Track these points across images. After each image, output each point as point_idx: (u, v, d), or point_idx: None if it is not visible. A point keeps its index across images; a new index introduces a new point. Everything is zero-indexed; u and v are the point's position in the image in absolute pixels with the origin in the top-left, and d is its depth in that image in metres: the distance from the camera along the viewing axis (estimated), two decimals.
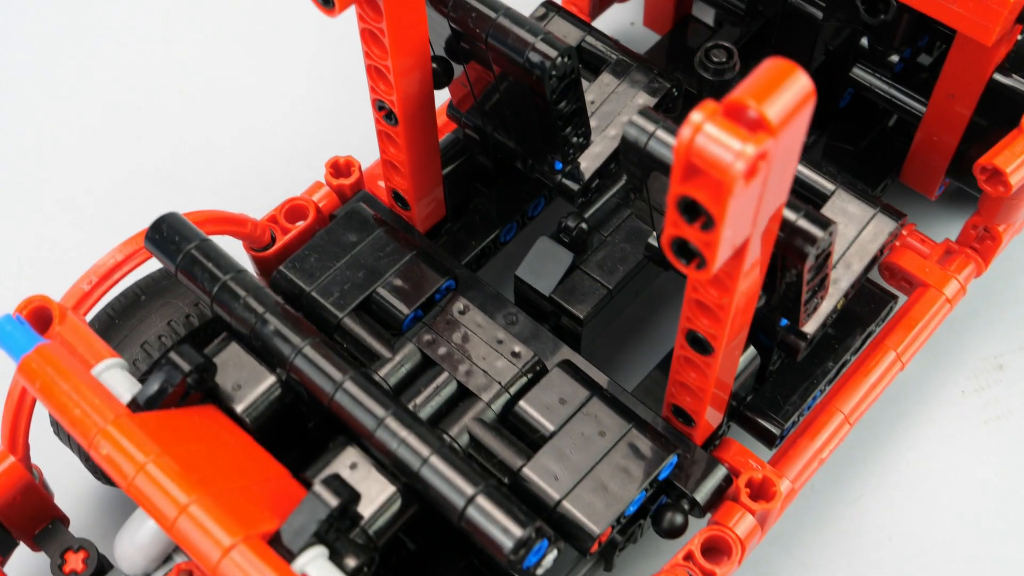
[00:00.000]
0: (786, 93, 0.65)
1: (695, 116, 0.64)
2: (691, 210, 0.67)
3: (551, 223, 1.24)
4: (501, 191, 1.16)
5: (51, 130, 1.39)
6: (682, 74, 1.26)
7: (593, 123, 1.09)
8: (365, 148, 1.27)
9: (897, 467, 1.14)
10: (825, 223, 0.83)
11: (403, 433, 0.79)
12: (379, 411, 0.80)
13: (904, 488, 1.13)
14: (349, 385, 0.81)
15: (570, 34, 1.14)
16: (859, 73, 1.14)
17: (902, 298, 1.15)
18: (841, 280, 0.99)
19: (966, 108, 1.07)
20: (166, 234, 0.87)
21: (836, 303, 0.99)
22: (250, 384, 0.85)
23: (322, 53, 1.44)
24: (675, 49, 1.28)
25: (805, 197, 1.05)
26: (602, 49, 1.13)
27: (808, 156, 1.17)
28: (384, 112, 0.99)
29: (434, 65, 1.00)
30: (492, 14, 0.94)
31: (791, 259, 0.85)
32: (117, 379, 0.79)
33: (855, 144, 1.20)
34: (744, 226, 0.70)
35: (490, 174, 1.16)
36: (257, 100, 1.41)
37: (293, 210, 1.11)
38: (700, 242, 0.68)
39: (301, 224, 1.11)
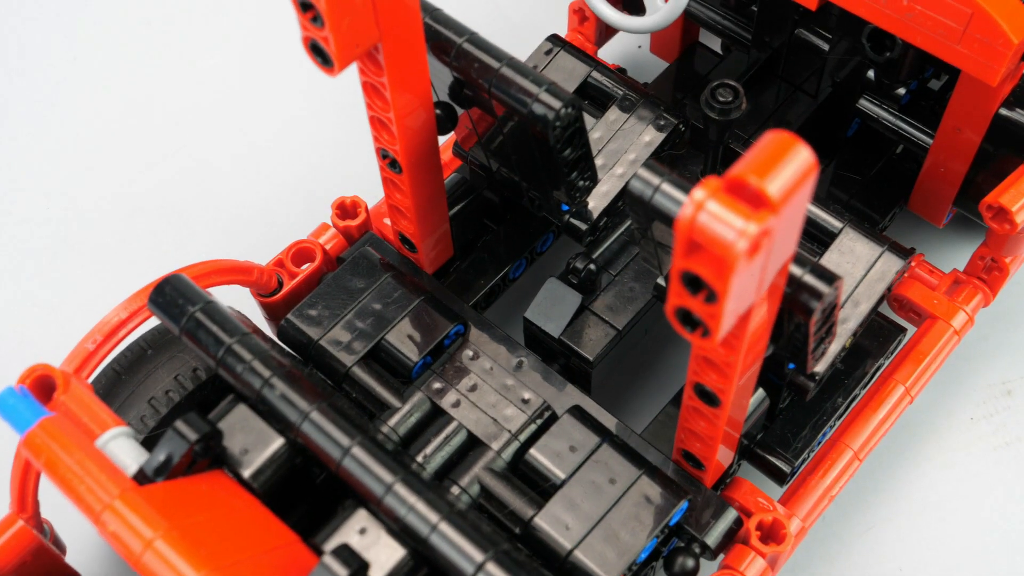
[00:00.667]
0: (787, 168, 0.64)
1: (697, 193, 0.64)
2: (694, 284, 0.67)
3: (561, 258, 1.25)
4: (509, 227, 1.16)
5: (52, 165, 1.39)
6: (690, 102, 1.26)
7: (600, 161, 1.09)
8: (371, 181, 1.28)
9: (907, 496, 1.14)
10: (831, 278, 0.83)
11: (412, 500, 0.80)
12: (387, 477, 0.81)
13: (914, 518, 1.13)
14: (357, 451, 0.82)
15: (576, 69, 1.14)
16: (866, 104, 1.14)
17: (911, 329, 1.15)
18: (849, 320, 0.99)
19: (972, 141, 1.07)
20: (169, 297, 0.88)
21: (845, 342, 0.99)
22: (257, 448, 0.85)
23: (325, 87, 1.44)
24: (683, 77, 1.28)
25: (813, 235, 1.04)
26: (608, 84, 1.13)
27: (817, 186, 1.18)
28: (388, 160, 0.99)
29: (437, 111, 1.00)
30: (495, 64, 0.94)
31: (797, 313, 0.85)
32: (123, 449, 0.80)
33: (864, 172, 1.19)
34: (748, 296, 0.70)
35: (498, 210, 1.17)
36: (261, 139, 1.41)
37: (300, 253, 1.12)
38: (704, 313, 0.69)
39: (308, 267, 1.11)
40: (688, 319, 0.70)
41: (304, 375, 0.90)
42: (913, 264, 1.14)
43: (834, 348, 0.99)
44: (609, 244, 1.10)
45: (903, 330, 1.09)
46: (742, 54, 1.23)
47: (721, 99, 1.02)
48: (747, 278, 0.67)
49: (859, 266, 1.01)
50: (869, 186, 1.19)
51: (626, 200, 0.88)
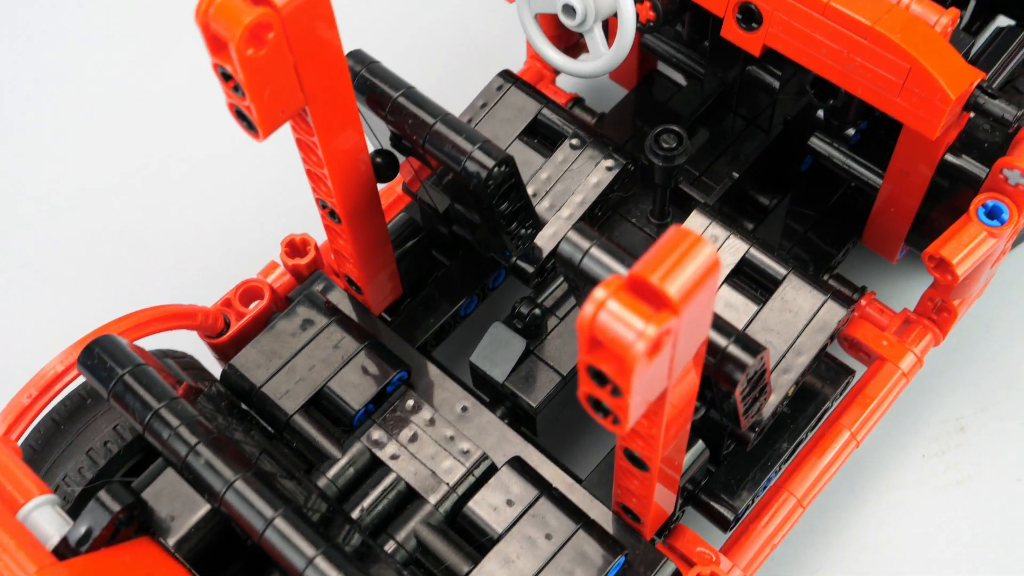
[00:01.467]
0: (690, 267, 0.64)
1: (598, 293, 0.64)
2: (599, 377, 0.67)
3: (516, 294, 1.24)
4: (461, 263, 1.16)
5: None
6: (649, 128, 1.25)
7: (547, 203, 1.08)
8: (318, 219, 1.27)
9: (857, 536, 1.14)
10: (755, 349, 0.83)
11: (333, 574, 0.80)
12: (309, 551, 0.81)
13: (865, 558, 1.14)
14: (280, 523, 0.82)
15: (526, 107, 1.13)
16: (816, 143, 1.13)
17: (861, 369, 1.14)
18: (790, 371, 0.99)
19: (920, 184, 1.06)
20: (98, 358, 0.88)
21: (787, 391, 0.99)
22: (184, 515, 0.86)
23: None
24: (642, 105, 1.27)
25: (758, 282, 1.04)
26: (558, 123, 1.12)
27: (771, 221, 1.17)
28: (327, 210, 0.99)
29: (377, 159, 1.00)
30: (429, 120, 0.93)
31: (721, 382, 0.84)
32: (46, 519, 0.80)
33: (818, 207, 1.18)
34: (657, 386, 0.70)
35: (449, 245, 1.16)
36: (212, 174, 1.41)
37: (248, 292, 1.12)
38: (612, 404, 0.68)
39: (256, 306, 1.11)
40: (599, 406, 0.70)
41: (234, 440, 0.90)
42: (864, 303, 1.14)
43: (774, 399, 0.98)
44: (556, 286, 1.10)
45: (851, 372, 1.09)
46: (699, 87, 1.22)
47: (665, 145, 1.01)
48: (651, 374, 0.67)
49: (801, 316, 1.01)
50: (823, 221, 1.18)
51: (556, 260, 0.88)
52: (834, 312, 1.01)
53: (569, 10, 1.02)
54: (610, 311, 0.64)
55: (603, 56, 1.04)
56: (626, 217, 1.12)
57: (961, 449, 1.17)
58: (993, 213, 0.99)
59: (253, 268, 1.19)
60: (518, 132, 1.12)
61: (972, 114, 0.99)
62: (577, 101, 1.27)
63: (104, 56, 1.50)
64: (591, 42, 1.04)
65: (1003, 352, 1.22)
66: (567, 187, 1.09)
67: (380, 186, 1.06)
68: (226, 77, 0.79)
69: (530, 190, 1.09)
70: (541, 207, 1.08)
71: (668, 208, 1.10)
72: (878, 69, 0.94)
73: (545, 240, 1.07)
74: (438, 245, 1.17)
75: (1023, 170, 0.96)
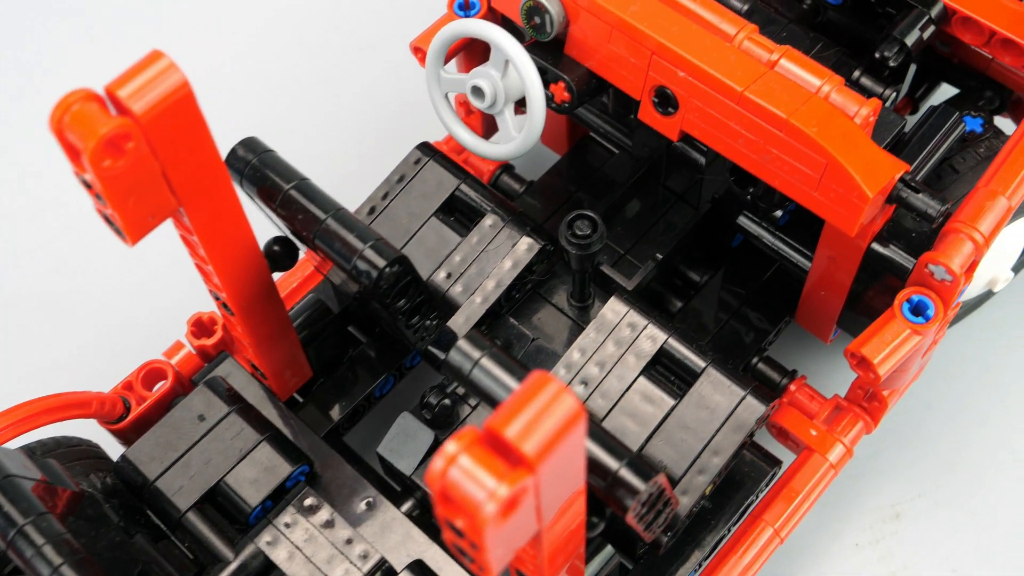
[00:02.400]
0: (549, 420, 0.60)
1: (449, 447, 0.60)
2: (455, 530, 0.63)
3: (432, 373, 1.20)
4: (377, 341, 1.12)
5: None
6: (584, 192, 1.20)
7: (460, 287, 1.04)
8: None
9: None
10: (648, 473, 0.78)
11: None
12: None
13: None
14: None
15: (444, 182, 1.08)
16: (745, 222, 1.08)
17: (789, 456, 1.10)
18: (705, 471, 0.95)
19: (848, 270, 1.01)
20: None
21: (703, 491, 0.95)
22: None
23: None
24: (575, 170, 1.22)
25: (677, 374, 0.99)
26: (476, 200, 1.07)
27: (703, 297, 1.13)
28: (219, 302, 0.94)
29: (275, 247, 0.96)
30: (320, 215, 0.89)
31: (612, 507, 0.80)
32: None
33: (749, 285, 1.14)
34: (521, 536, 0.66)
35: (365, 322, 1.12)
36: (113, 251, 1.35)
37: (151, 374, 1.07)
38: (473, 556, 0.64)
39: (161, 387, 1.07)
40: (464, 553, 0.66)
41: (117, 547, 0.86)
42: (793, 388, 1.09)
43: (687, 501, 0.94)
44: None
45: (777, 463, 1.05)
46: (629, 158, 1.18)
47: (579, 232, 0.97)
48: (510, 529, 0.62)
49: (718, 413, 0.96)
50: (755, 299, 1.14)
51: (444, 368, 0.84)
52: (752, 410, 0.96)
53: (478, 92, 0.98)
54: (461, 467, 0.60)
55: (514, 140, 0.99)
56: (547, 299, 1.08)
57: (896, 538, 1.13)
58: (918, 309, 0.95)
59: (159, 347, 1.14)
60: (434, 209, 1.07)
61: None
62: (506, 168, 1.22)
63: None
64: (502, 125, 1.00)
65: (942, 435, 1.18)
66: (482, 270, 1.04)
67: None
68: (87, 185, 0.75)
69: (443, 273, 1.05)
70: (454, 291, 1.04)
71: (590, 290, 1.05)
72: (795, 162, 0.90)
73: (458, 326, 1.03)
74: (355, 321, 1.12)
75: (948, 267, 0.92)
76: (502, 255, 1.04)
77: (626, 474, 0.78)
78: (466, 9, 1.11)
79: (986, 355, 1.22)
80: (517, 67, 0.94)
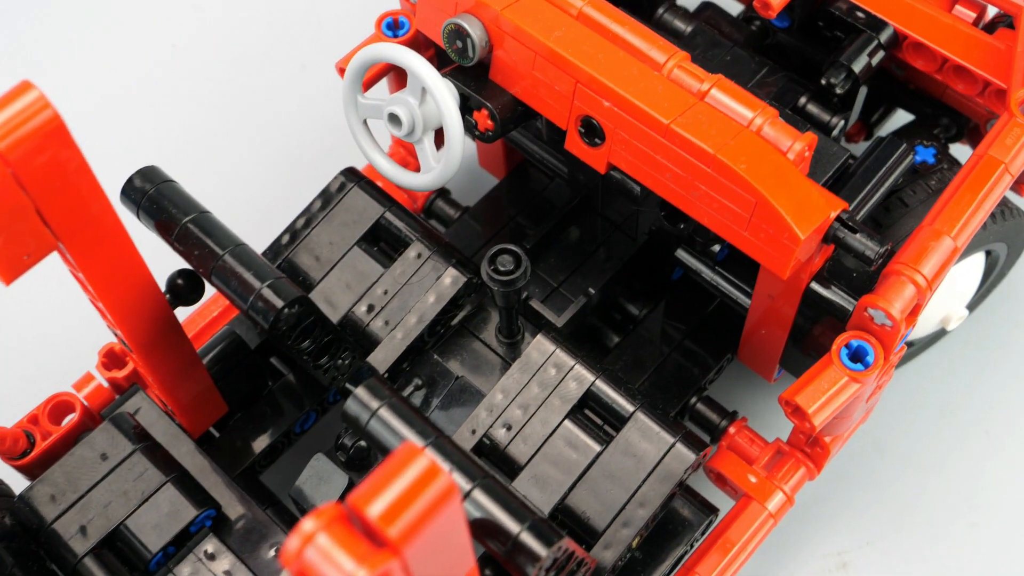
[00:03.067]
0: (418, 501, 0.55)
1: (307, 524, 0.55)
2: None
3: None
4: (300, 374, 1.06)
5: None
6: (523, 218, 1.15)
7: (380, 321, 0.99)
8: None
9: None
10: (550, 538, 0.73)
11: None
12: None
13: None
14: None
15: (367, 210, 1.03)
16: (683, 255, 1.03)
17: (728, 502, 1.05)
18: (632, 524, 0.90)
19: (788, 309, 0.96)
20: None
21: (630, 542, 0.90)
22: None
23: None
24: (514, 194, 1.17)
25: (604, 418, 0.94)
26: (401, 229, 1.02)
27: (640, 332, 1.07)
28: (119, 338, 0.89)
29: (179, 281, 0.91)
30: (218, 251, 0.83)
31: (513, 573, 0.75)
32: None
33: (690, 319, 1.09)
34: None
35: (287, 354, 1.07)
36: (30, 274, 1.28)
37: (58, 407, 1.02)
38: None
39: (69, 421, 1.02)
40: None
41: None
42: (732, 431, 1.04)
43: (611, 555, 0.89)
44: None
45: (714, 511, 0.99)
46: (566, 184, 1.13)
47: (502, 268, 0.91)
48: None
49: (645, 462, 0.91)
50: (696, 334, 1.08)
51: (343, 418, 0.79)
52: (681, 459, 0.91)
53: (395, 119, 0.93)
54: (319, 547, 0.55)
55: (432, 170, 0.94)
56: (475, 334, 1.02)
57: None
58: (857, 355, 0.90)
59: (68, 379, 1.09)
60: (356, 238, 1.02)
61: None
62: (441, 193, 1.17)
63: None
64: (421, 154, 0.94)
65: (893, 479, 1.12)
66: (404, 303, 0.99)
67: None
68: None
69: (364, 306, 0.99)
70: (375, 325, 0.99)
71: (518, 325, 1.00)
72: (724, 200, 0.85)
73: (378, 363, 0.98)
74: (278, 352, 1.07)
75: (887, 311, 0.86)
76: (426, 288, 0.99)
77: (527, 539, 0.73)
78: (395, 29, 1.06)
79: (942, 396, 1.17)
80: (432, 94, 0.89)
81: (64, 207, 0.72)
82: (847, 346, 0.90)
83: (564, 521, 0.91)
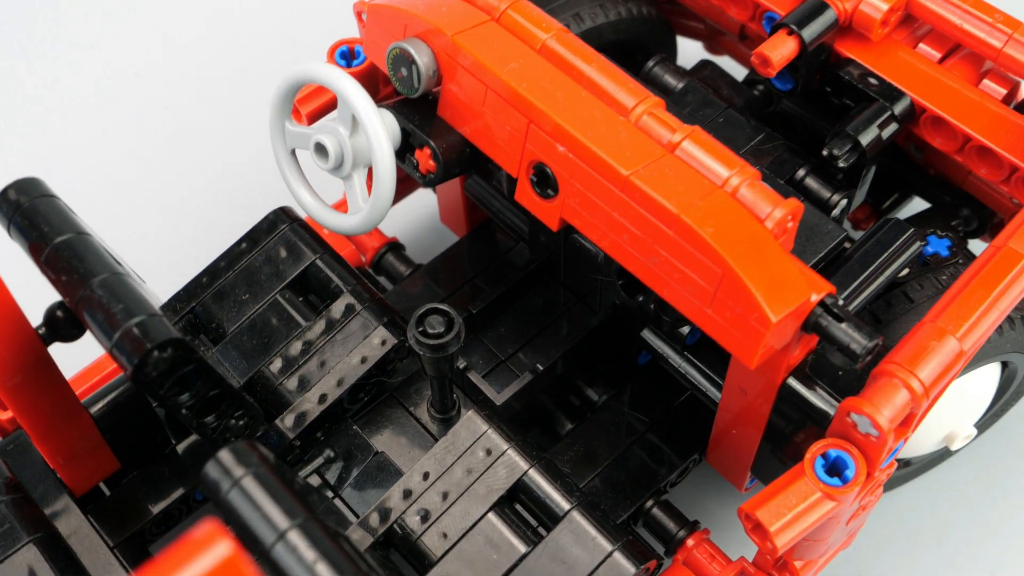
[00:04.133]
0: None
1: None
2: None
3: None
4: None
5: None
6: (482, 281, 1.02)
7: (293, 382, 0.86)
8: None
9: None
10: None
11: None
12: None
13: None
14: None
15: (298, 255, 0.91)
16: (649, 336, 0.90)
17: None
18: None
19: (762, 407, 0.82)
20: None
21: None
22: None
23: None
24: (472, 258, 1.04)
25: (535, 514, 0.81)
26: (332, 279, 0.90)
27: (597, 420, 0.94)
28: None
29: (59, 313, 0.78)
30: (87, 278, 0.71)
31: None
32: None
33: (657, 409, 0.95)
34: None
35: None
36: None
37: None
38: None
39: None
40: None
41: None
42: (691, 544, 0.90)
43: None
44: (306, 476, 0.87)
45: None
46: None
47: (431, 331, 0.79)
48: None
49: (576, 571, 0.78)
50: (663, 426, 0.95)
51: (201, 483, 0.66)
52: (619, 571, 0.78)
53: (321, 150, 0.81)
54: None
55: (360, 211, 0.82)
56: (404, 405, 0.90)
57: None
58: (836, 468, 0.76)
59: None
60: (280, 286, 0.90)
61: None
62: (392, 247, 1.05)
63: None
64: (350, 193, 0.83)
65: None
66: (324, 363, 0.87)
67: None
68: None
69: (279, 361, 0.87)
70: (287, 385, 0.86)
71: (453, 399, 0.87)
72: (686, 269, 0.72)
73: (287, 429, 0.85)
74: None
75: (873, 419, 0.73)
76: (351, 348, 0.87)
77: None
78: (349, 58, 0.95)
79: (940, 524, 1.02)
80: (362, 123, 0.77)
81: None
82: (824, 456, 0.76)
83: None
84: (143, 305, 0.70)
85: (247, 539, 0.63)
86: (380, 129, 0.77)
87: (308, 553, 0.61)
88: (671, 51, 1.14)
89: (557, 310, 0.95)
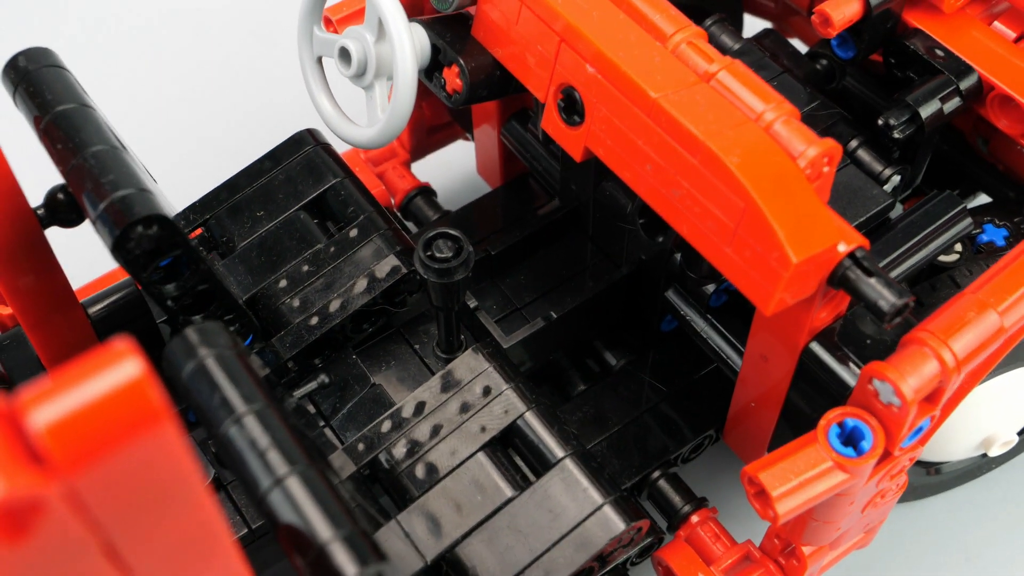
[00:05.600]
0: (112, 416, 0.39)
1: None
2: None
3: None
4: None
5: None
6: (508, 230, 0.98)
7: (296, 302, 0.83)
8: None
9: None
10: (366, 558, 0.55)
11: None
12: None
13: None
14: None
15: (320, 175, 0.88)
16: (673, 297, 0.85)
17: None
18: None
19: (782, 376, 0.77)
20: None
21: None
22: None
23: None
24: (501, 210, 1.00)
25: (527, 458, 0.77)
26: (351, 204, 0.87)
27: (612, 384, 0.89)
28: None
29: (60, 195, 0.76)
30: (80, 149, 0.68)
31: None
32: None
33: (678, 380, 0.90)
34: None
35: None
36: None
37: None
38: None
39: None
40: None
41: None
42: (695, 520, 0.84)
43: None
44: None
45: None
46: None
47: (439, 255, 0.75)
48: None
49: (562, 521, 0.73)
50: (681, 398, 0.90)
51: (164, 360, 0.62)
52: (606, 526, 0.72)
53: (345, 55, 0.78)
54: None
55: (377, 123, 0.78)
56: (410, 342, 0.86)
57: None
58: (852, 438, 0.70)
59: None
60: (299, 204, 0.87)
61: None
62: (423, 191, 1.02)
63: None
64: (369, 103, 0.79)
65: None
66: (329, 287, 0.83)
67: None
68: None
69: (283, 281, 0.84)
70: (288, 305, 0.83)
71: (460, 340, 0.83)
72: (707, 202, 0.67)
73: (283, 348, 0.82)
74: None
75: (896, 385, 0.67)
76: (359, 273, 0.83)
77: (337, 552, 0.55)
78: None
79: (972, 542, 0.95)
80: (388, 27, 0.74)
81: None
82: (840, 425, 0.70)
83: (448, 574, 0.73)
84: (134, 179, 0.67)
85: (205, 421, 0.60)
86: (405, 35, 0.73)
87: (261, 440, 0.58)
88: (737, 25, 1.09)
89: (582, 264, 0.91)
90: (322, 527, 0.55)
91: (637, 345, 0.92)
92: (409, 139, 1.03)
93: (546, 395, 0.91)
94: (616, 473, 0.85)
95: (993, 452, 0.88)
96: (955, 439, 0.87)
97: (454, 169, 1.13)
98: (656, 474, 0.87)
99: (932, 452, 0.89)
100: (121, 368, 0.40)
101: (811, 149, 0.67)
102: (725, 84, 0.70)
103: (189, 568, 0.48)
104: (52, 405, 0.39)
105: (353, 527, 0.55)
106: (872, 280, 0.67)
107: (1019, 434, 0.90)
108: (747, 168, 0.65)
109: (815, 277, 0.67)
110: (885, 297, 0.66)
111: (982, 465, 0.95)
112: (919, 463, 0.92)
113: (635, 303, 0.90)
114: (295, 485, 0.56)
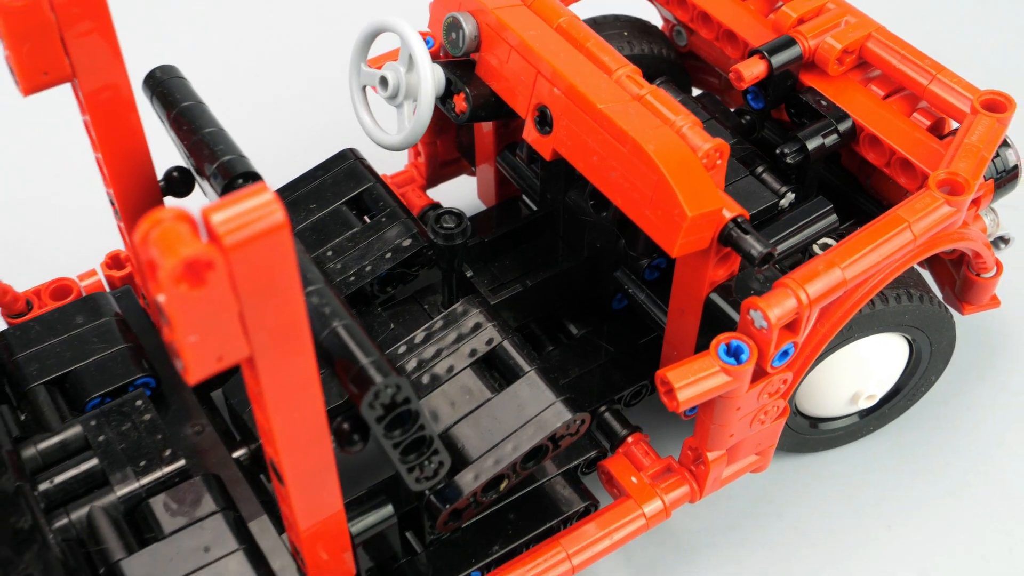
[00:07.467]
0: (250, 213, 0.66)
1: (162, 213, 0.67)
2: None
3: None
4: None
5: None
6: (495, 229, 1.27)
7: (339, 265, 1.12)
8: None
9: None
10: (387, 373, 0.83)
11: None
12: None
13: None
14: None
15: (359, 179, 1.18)
16: (620, 276, 1.14)
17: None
18: (501, 461, 0.98)
19: (692, 321, 1.05)
20: None
21: (490, 477, 0.98)
22: None
23: None
24: (496, 221, 1.30)
25: (503, 372, 1.04)
26: (382, 200, 1.17)
27: (573, 347, 1.17)
28: (114, 208, 1.04)
29: (175, 173, 1.06)
30: (197, 131, 0.99)
31: (354, 400, 0.84)
32: None
33: (623, 345, 1.19)
34: (227, 339, 0.70)
35: None
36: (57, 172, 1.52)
37: (59, 290, 1.18)
38: (170, 339, 0.69)
39: (65, 301, 1.17)
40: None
41: None
42: (630, 441, 1.12)
43: (470, 479, 0.97)
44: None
45: (592, 501, 1.07)
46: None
47: (445, 225, 1.05)
48: (204, 314, 0.68)
49: (527, 410, 1.00)
50: (625, 358, 1.18)
51: None
52: (558, 414, 1.00)
53: (384, 82, 1.09)
54: (164, 230, 0.66)
55: (404, 131, 1.10)
56: (421, 303, 1.15)
57: None
58: (735, 353, 0.98)
59: (74, 271, 1.25)
60: (342, 199, 1.17)
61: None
62: (434, 207, 1.32)
63: None
64: (399, 117, 1.10)
65: (782, 542, 1.17)
66: (363, 255, 1.13)
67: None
68: None
69: (328, 253, 1.13)
70: (333, 266, 1.12)
71: (456, 297, 1.12)
72: (633, 179, 0.97)
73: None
74: None
75: (764, 313, 0.96)
76: (385, 248, 1.13)
77: (369, 368, 0.82)
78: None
79: (852, 487, 1.22)
80: (416, 62, 1.05)
81: (82, 46, 0.89)
82: (727, 345, 0.99)
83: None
84: (234, 149, 0.98)
85: None
86: (428, 68, 1.05)
87: (325, 307, 0.86)
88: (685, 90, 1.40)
89: (554, 254, 1.21)
90: (360, 354, 0.83)
91: (594, 320, 1.21)
92: (426, 169, 1.33)
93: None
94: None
95: (859, 406, 1.15)
96: (833, 395, 1.15)
97: (456, 199, 1.45)
98: (603, 408, 1.14)
99: (812, 406, 1.17)
100: (260, 196, 0.69)
101: (707, 144, 0.97)
102: (650, 102, 1.01)
103: (283, 349, 0.75)
104: (220, 211, 0.67)
105: (380, 356, 0.84)
106: (748, 236, 0.96)
107: (883, 400, 1.18)
108: (660, 153, 0.95)
109: (707, 231, 0.96)
110: (755, 247, 0.95)
111: (858, 427, 1.23)
112: (803, 416, 1.20)
113: (593, 282, 1.19)
114: (342, 331, 0.84)
